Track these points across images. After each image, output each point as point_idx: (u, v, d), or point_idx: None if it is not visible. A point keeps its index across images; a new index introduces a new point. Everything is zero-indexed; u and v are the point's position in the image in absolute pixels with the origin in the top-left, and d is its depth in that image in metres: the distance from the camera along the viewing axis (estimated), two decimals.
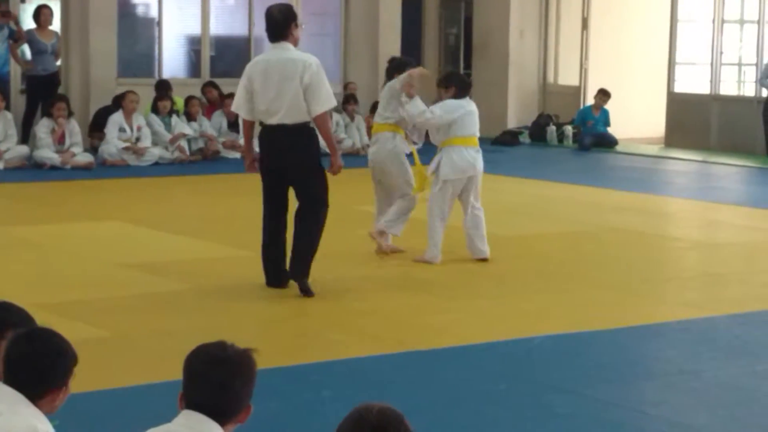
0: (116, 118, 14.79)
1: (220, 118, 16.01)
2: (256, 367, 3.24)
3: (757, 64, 17.68)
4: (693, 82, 18.72)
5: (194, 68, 17.47)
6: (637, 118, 19.24)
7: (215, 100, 16.34)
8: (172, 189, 13.43)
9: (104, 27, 16.16)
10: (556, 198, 12.82)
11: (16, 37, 15.15)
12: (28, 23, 15.65)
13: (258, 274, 8.02)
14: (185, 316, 7.29)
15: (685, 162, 16.76)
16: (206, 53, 17.34)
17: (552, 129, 18.75)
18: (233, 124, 15.66)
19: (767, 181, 14.99)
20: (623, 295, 8.17)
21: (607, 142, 18.01)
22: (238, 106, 8.09)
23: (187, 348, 3.27)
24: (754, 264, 9.55)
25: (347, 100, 16.85)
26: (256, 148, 8.23)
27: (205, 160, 15.41)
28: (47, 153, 14.17)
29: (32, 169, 14.12)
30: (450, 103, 9.01)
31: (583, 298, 8.02)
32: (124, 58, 16.59)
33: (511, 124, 19.40)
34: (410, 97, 9.00)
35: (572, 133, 18.49)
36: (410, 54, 18.68)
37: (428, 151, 9.46)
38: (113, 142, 14.68)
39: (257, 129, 8.09)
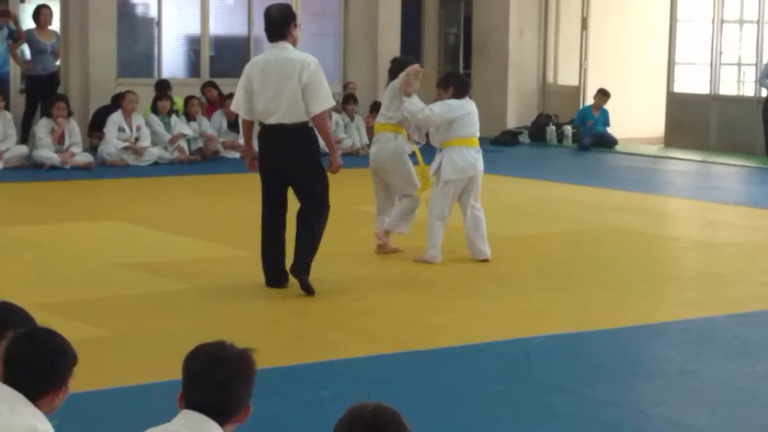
0: (115, 118, 14.79)
1: (220, 118, 16.01)
2: (255, 366, 3.24)
3: (756, 64, 17.68)
4: (692, 82, 18.72)
5: (194, 68, 17.47)
6: (636, 118, 19.24)
7: (215, 100, 16.34)
8: (171, 189, 13.43)
9: (104, 27, 16.16)
10: (555, 198, 12.81)
11: (16, 36, 15.15)
12: (28, 23, 15.66)
13: (257, 274, 8.02)
14: (185, 315, 7.29)
15: (684, 162, 16.76)
16: (206, 53, 17.34)
17: (551, 129, 18.75)
18: (233, 125, 15.65)
19: (767, 181, 14.99)
20: (623, 295, 8.16)
21: (607, 142, 18.01)
22: (237, 105, 8.11)
23: (186, 348, 3.27)
24: (754, 264, 9.55)
25: (347, 100, 16.84)
26: (256, 147, 8.23)
27: (204, 160, 15.41)
28: (47, 153, 14.17)
29: (32, 169, 14.12)
30: (450, 103, 9.01)
31: (583, 298, 8.02)
32: (124, 58, 16.59)
33: (511, 124, 19.40)
34: (408, 95, 9.01)
35: (572, 133, 18.49)
36: (410, 54, 18.70)
37: (428, 151, 9.46)
38: (112, 142, 14.68)
39: (257, 128, 8.10)
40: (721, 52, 18.13)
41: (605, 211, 12.04)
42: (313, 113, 7.76)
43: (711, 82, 18.21)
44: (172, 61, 17.31)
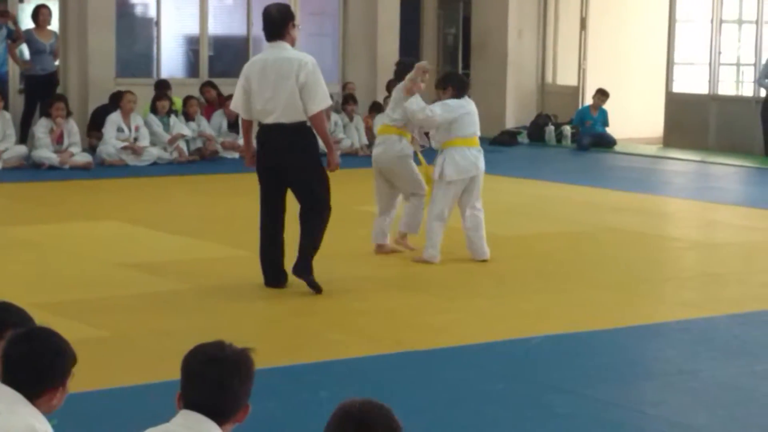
0: (114, 118, 14.79)
1: (220, 118, 16.00)
2: (254, 366, 3.24)
3: (755, 64, 17.68)
4: (691, 82, 18.72)
5: (193, 68, 17.47)
6: (635, 118, 19.24)
7: (214, 100, 16.34)
8: (170, 189, 13.43)
9: (103, 27, 16.15)
10: (554, 198, 12.82)
11: (15, 36, 15.15)
12: (27, 23, 15.65)
13: (256, 274, 8.02)
14: (184, 315, 7.28)
15: (683, 162, 16.76)
16: (204, 53, 17.34)
17: (550, 129, 18.75)
18: (233, 125, 15.65)
19: (765, 181, 15.00)
20: (622, 295, 8.17)
21: (606, 142, 18.01)
22: (236, 105, 8.13)
23: (185, 348, 3.27)
24: (753, 264, 9.55)
25: (346, 101, 16.84)
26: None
27: (203, 160, 15.40)
28: (46, 153, 14.16)
29: (31, 169, 14.12)
30: (450, 103, 9.01)
31: (582, 298, 8.02)
32: (123, 57, 16.58)
33: (510, 124, 19.40)
34: (411, 94, 9.01)
35: (571, 133, 18.48)
36: (409, 54, 18.71)
37: (428, 152, 9.46)
38: (111, 142, 14.67)
39: (256, 128, 8.12)
40: (719, 52, 18.14)
41: (604, 211, 12.04)
42: (311, 113, 7.77)
43: (710, 82, 18.21)
44: (171, 61, 17.31)
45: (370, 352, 6.52)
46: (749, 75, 18.11)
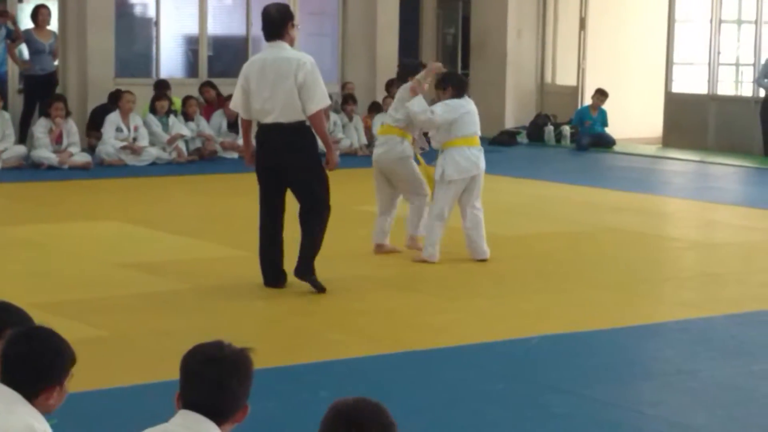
0: (113, 118, 14.79)
1: (220, 118, 16.00)
2: (252, 366, 3.24)
3: (754, 64, 17.69)
4: (690, 82, 18.72)
5: (192, 68, 17.47)
6: (634, 118, 19.25)
7: (213, 100, 16.34)
8: (170, 189, 13.43)
9: (102, 27, 16.15)
10: (553, 198, 12.82)
11: (14, 36, 15.15)
12: (26, 23, 15.65)
13: (256, 273, 8.02)
14: (183, 315, 7.28)
15: (682, 162, 16.76)
16: (204, 53, 17.34)
17: (550, 129, 18.75)
18: (233, 125, 15.64)
19: (765, 181, 15.00)
20: (621, 295, 8.17)
21: (605, 142, 18.01)
22: (235, 105, 8.15)
23: (185, 348, 3.27)
24: (752, 264, 9.55)
25: (346, 101, 16.84)
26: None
27: (202, 159, 15.40)
28: (45, 153, 14.16)
29: (30, 169, 14.11)
30: (451, 103, 9.01)
31: (581, 298, 8.03)
32: (122, 57, 16.58)
33: (509, 124, 19.40)
34: (415, 94, 9.01)
35: (570, 133, 18.49)
36: (408, 54, 18.73)
37: (429, 152, 9.47)
38: (110, 142, 14.67)
39: (256, 128, 8.13)
40: (719, 53, 18.14)
41: (603, 211, 12.05)
42: (310, 112, 7.78)
43: (709, 82, 18.22)
44: (170, 61, 17.30)
45: (370, 352, 6.52)
46: (748, 75, 18.11)
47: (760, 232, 11.00)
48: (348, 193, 11.19)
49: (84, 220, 10.85)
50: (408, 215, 9.32)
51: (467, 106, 9.07)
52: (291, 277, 7.97)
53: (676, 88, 18.66)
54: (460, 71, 19.04)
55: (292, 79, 7.74)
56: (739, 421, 5.52)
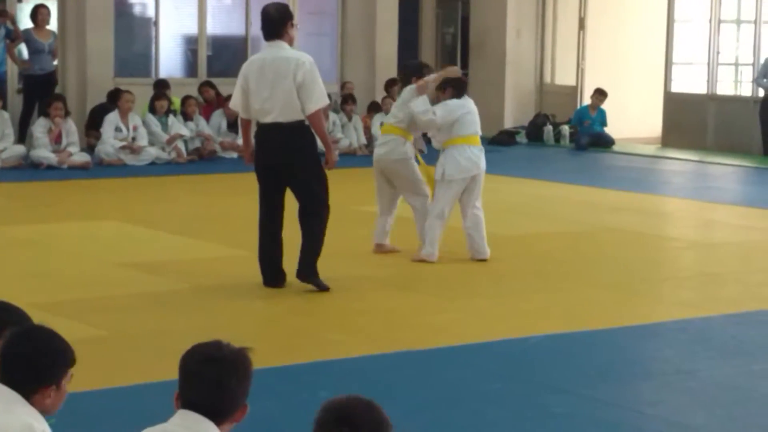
0: (112, 118, 14.78)
1: (219, 118, 16.00)
2: (251, 366, 3.24)
3: (753, 64, 17.69)
4: (690, 81, 18.73)
5: (191, 68, 17.47)
6: (633, 118, 19.25)
7: (212, 100, 16.34)
8: (169, 188, 13.43)
9: (101, 26, 16.15)
10: (553, 198, 12.82)
11: (13, 36, 15.15)
12: (26, 23, 15.65)
13: (255, 273, 8.02)
14: (183, 315, 7.28)
15: (681, 162, 16.77)
16: (203, 53, 17.34)
17: (549, 129, 18.75)
18: (233, 125, 15.64)
19: (764, 180, 15.00)
20: (620, 295, 8.17)
21: (604, 142, 18.01)
22: (235, 104, 8.16)
23: (184, 347, 3.27)
24: (751, 264, 9.55)
25: (345, 100, 16.84)
26: None
27: (201, 159, 15.40)
28: (44, 152, 14.16)
29: (29, 169, 14.11)
30: (451, 104, 9.02)
31: (581, 298, 8.03)
32: (121, 57, 16.58)
33: (508, 123, 19.40)
34: (420, 94, 9.00)
35: (569, 133, 18.49)
36: (407, 54, 18.72)
37: (430, 152, 9.47)
38: (109, 142, 14.67)
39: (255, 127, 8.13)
40: (718, 52, 18.14)
41: (602, 210, 12.05)
42: (308, 112, 7.79)
43: (708, 81, 18.22)
44: (169, 60, 17.30)
45: (369, 351, 6.52)
46: (747, 75, 18.12)
47: (759, 232, 11.01)
48: (347, 193, 11.19)
49: (83, 220, 10.85)
50: (415, 219, 9.25)
51: (468, 106, 9.08)
52: (290, 277, 7.97)
53: (676, 87, 18.66)
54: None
55: (290, 79, 7.75)
56: (738, 421, 5.52)
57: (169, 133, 15.14)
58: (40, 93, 15.08)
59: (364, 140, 16.58)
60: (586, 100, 18.76)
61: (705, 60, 18.21)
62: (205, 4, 17.29)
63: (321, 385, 5.77)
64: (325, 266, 8.05)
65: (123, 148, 14.70)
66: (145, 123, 15.06)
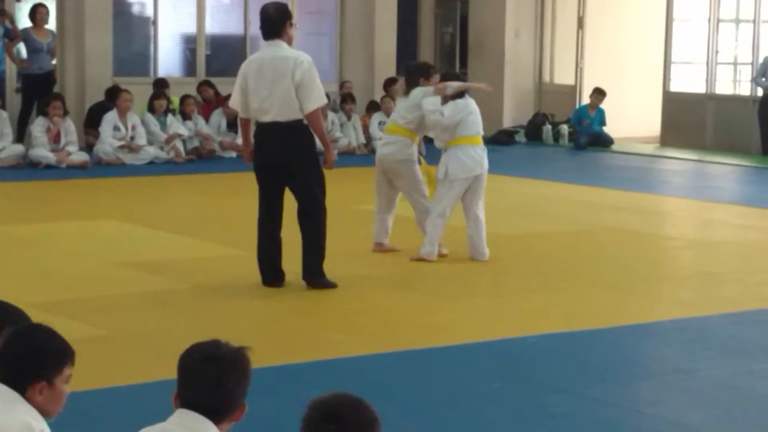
0: (110, 117, 14.78)
1: (219, 118, 15.99)
2: (250, 365, 3.23)
3: (752, 63, 17.69)
4: (688, 81, 18.73)
5: (190, 67, 17.46)
6: (632, 118, 19.25)
7: (211, 99, 16.33)
8: (168, 188, 13.43)
9: (100, 26, 16.14)
10: (552, 197, 12.82)
11: (12, 35, 15.14)
12: (24, 22, 15.64)
13: (254, 273, 8.02)
14: (182, 314, 7.28)
15: (680, 161, 16.77)
16: (202, 52, 17.33)
17: (548, 128, 18.75)
18: (232, 124, 15.63)
19: (763, 180, 15.01)
20: (619, 294, 8.17)
21: (603, 142, 18.01)
22: (234, 103, 8.17)
23: (183, 347, 3.27)
24: (750, 263, 9.55)
25: (345, 100, 16.84)
26: None
27: (200, 159, 15.39)
28: (42, 152, 14.15)
29: (27, 168, 14.11)
30: (457, 104, 9.01)
31: (580, 297, 8.03)
32: (120, 56, 16.58)
33: (507, 123, 19.40)
34: (436, 95, 8.99)
35: (568, 133, 18.49)
36: (406, 53, 18.73)
37: (433, 152, 9.46)
38: (108, 141, 14.67)
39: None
40: (717, 51, 18.14)
41: (602, 210, 12.05)
42: (307, 111, 7.79)
43: (707, 81, 18.22)
44: (168, 60, 17.30)
45: (369, 351, 6.52)
46: (746, 74, 18.12)
47: (758, 231, 11.01)
48: (346, 192, 11.19)
49: (82, 219, 10.84)
50: (419, 222, 9.24)
51: (471, 106, 9.10)
52: (289, 276, 7.97)
53: (674, 87, 18.66)
54: (458, 71, 19.02)
55: (289, 78, 7.75)
56: (737, 421, 5.52)
57: (168, 133, 15.13)
58: (39, 92, 15.08)
59: (363, 139, 16.58)
60: (585, 100, 18.76)
61: (704, 59, 18.21)
62: (204, 3, 17.29)
63: (320, 384, 5.76)
64: (324, 266, 8.04)
65: (121, 147, 14.69)
66: (143, 122, 15.05)
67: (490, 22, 19.59)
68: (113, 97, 14.99)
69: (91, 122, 15.51)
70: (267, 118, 7.84)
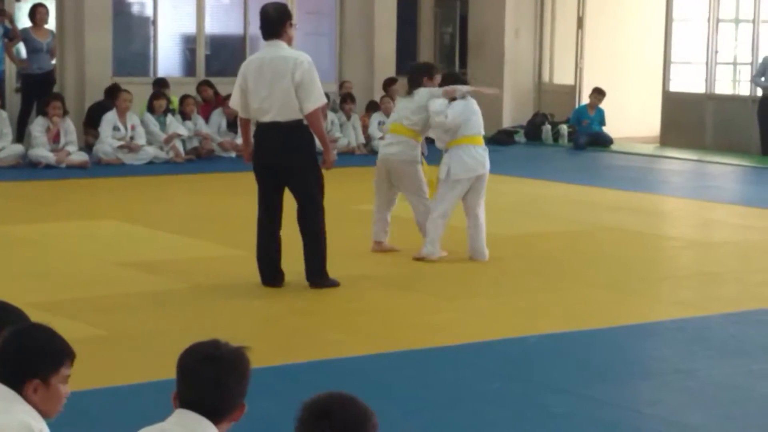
0: (110, 117, 14.78)
1: (219, 118, 15.98)
2: (249, 365, 3.23)
3: (752, 63, 17.70)
4: (688, 81, 18.73)
5: (189, 67, 17.46)
6: (632, 117, 19.25)
7: (210, 99, 16.33)
8: (167, 188, 13.42)
9: (99, 26, 16.14)
10: (551, 197, 12.82)
11: (11, 35, 15.14)
12: (24, 22, 15.64)
13: (254, 272, 8.02)
14: (181, 314, 7.28)
15: (680, 161, 16.77)
16: (201, 52, 17.33)
17: (547, 128, 18.75)
18: (232, 124, 15.62)
19: (762, 180, 15.01)
20: (619, 294, 8.17)
21: (603, 142, 18.01)
22: (234, 103, 8.18)
23: (182, 347, 3.26)
24: (749, 263, 9.55)
25: (344, 99, 16.84)
26: None
27: (199, 159, 15.39)
28: (42, 152, 14.15)
29: (27, 168, 14.10)
30: (461, 106, 9.01)
31: (579, 297, 8.03)
32: (120, 56, 16.58)
33: (507, 123, 19.40)
34: (446, 96, 8.99)
35: (567, 132, 18.49)
36: (406, 53, 18.73)
37: (434, 152, 9.46)
38: (108, 141, 14.66)
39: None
40: (716, 51, 18.15)
41: (601, 210, 12.05)
42: (306, 111, 7.79)
43: (706, 81, 18.22)
44: (167, 59, 17.29)
45: (368, 351, 6.52)
46: (746, 74, 18.12)
47: (757, 231, 11.01)
48: (346, 192, 11.19)
49: (82, 219, 10.84)
50: (420, 222, 9.24)
51: (473, 107, 9.10)
52: (289, 276, 7.97)
53: (674, 87, 18.66)
54: (458, 70, 19.02)
55: (289, 78, 7.75)
56: (736, 421, 5.52)
57: (167, 133, 15.13)
58: (39, 92, 15.08)
59: (362, 139, 16.58)
60: (585, 100, 18.75)
61: (703, 59, 18.21)
62: (204, 3, 17.29)
63: (320, 384, 5.70)
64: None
65: (121, 147, 14.69)
66: (143, 122, 15.05)
67: (489, 21, 19.59)
68: (113, 95, 14.98)
69: (91, 122, 15.51)
70: (267, 118, 7.85)
